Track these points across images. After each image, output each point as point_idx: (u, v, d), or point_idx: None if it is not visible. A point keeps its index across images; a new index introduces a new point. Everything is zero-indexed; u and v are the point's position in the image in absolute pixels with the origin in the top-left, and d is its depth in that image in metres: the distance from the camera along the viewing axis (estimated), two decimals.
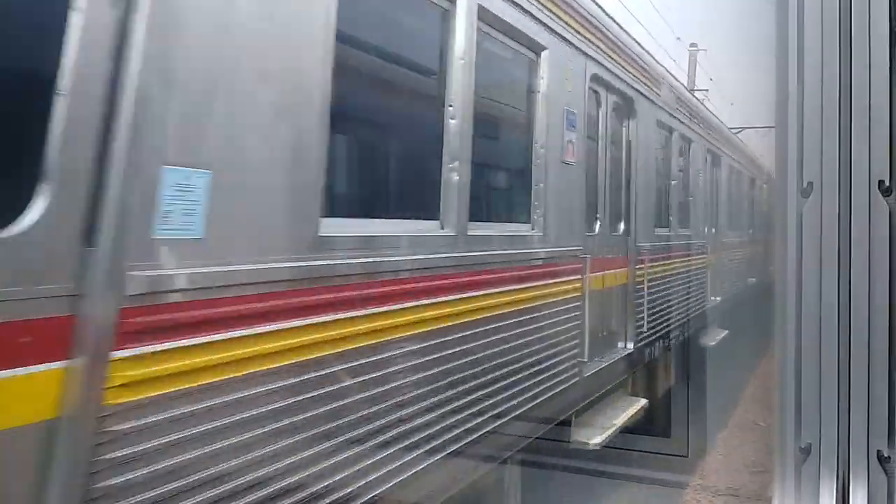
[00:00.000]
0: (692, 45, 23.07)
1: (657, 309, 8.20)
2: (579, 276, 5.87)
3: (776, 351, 2.16)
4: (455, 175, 4.27)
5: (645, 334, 7.71)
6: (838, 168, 2.12)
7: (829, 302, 2.10)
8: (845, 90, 2.12)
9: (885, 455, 2.06)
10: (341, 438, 3.22)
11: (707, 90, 19.03)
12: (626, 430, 6.96)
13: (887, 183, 2.07)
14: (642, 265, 7.67)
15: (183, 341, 2.49)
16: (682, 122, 9.90)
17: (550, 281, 5.35)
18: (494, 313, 4.66)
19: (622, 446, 6.37)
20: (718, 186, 12.68)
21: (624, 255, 7.50)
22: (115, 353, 2.29)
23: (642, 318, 7.63)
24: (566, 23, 5.67)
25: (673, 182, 9.64)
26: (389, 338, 3.57)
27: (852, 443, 2.09)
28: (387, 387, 3.53)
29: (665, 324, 8.44)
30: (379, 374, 3.48)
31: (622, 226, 7.52)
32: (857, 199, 2.10)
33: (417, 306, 3.81)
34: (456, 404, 4.12)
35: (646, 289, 7.69)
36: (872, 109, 2.09)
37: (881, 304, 2.05)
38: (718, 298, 12.39)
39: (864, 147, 2.10)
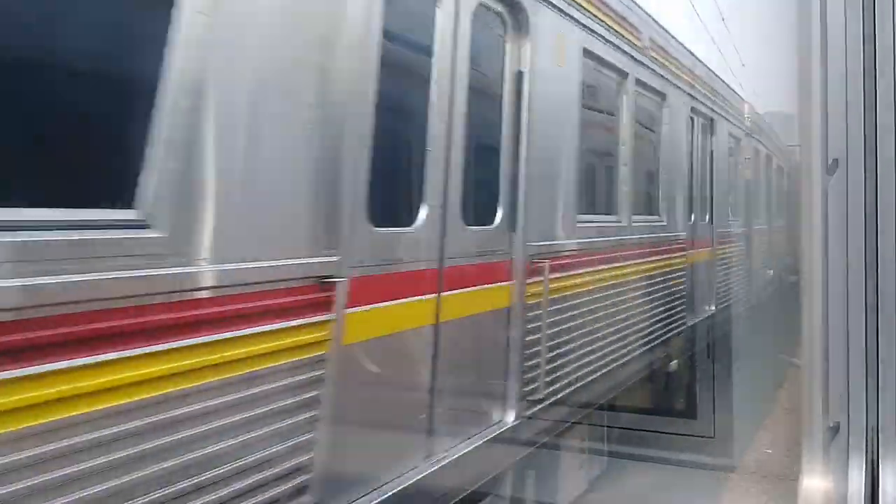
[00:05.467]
0: None
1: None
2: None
3: (803, 329, 2.10)
4: None
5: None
6: (864, 144, 2.08)
7: (856, 279, 2.07)
8: (869, 64, 2.07)
9: None
10: None
11: None
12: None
13: None
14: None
15: None
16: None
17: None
18: None
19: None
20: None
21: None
22: None
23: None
24: None
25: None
26: None
27: (881, 420, 2.03)
28: None
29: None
30: None
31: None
32: (882, 175, 2.06)
33: None
34: None
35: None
36: None
37: None
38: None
39: (890, 121, 2.05)
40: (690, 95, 8.54)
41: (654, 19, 7.30)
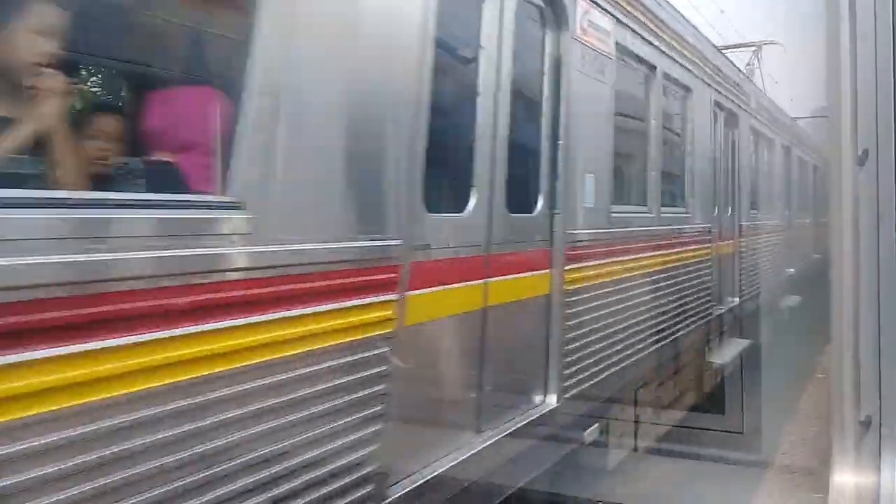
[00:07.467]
0: None
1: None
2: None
3: (833, 323, 2.07)
4: None
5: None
6: (894, 134, 2.03)
7: (888, 272, 2.02)
8: None
9: None
10: None
11: None
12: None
13: None
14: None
15: None
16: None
17: None
18: None
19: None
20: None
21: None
22: None
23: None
24: None
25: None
26: None
27: None
28: None
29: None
30: None
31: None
32: None
33: None
34: None
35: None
36: None
37: None
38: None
39: None
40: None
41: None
